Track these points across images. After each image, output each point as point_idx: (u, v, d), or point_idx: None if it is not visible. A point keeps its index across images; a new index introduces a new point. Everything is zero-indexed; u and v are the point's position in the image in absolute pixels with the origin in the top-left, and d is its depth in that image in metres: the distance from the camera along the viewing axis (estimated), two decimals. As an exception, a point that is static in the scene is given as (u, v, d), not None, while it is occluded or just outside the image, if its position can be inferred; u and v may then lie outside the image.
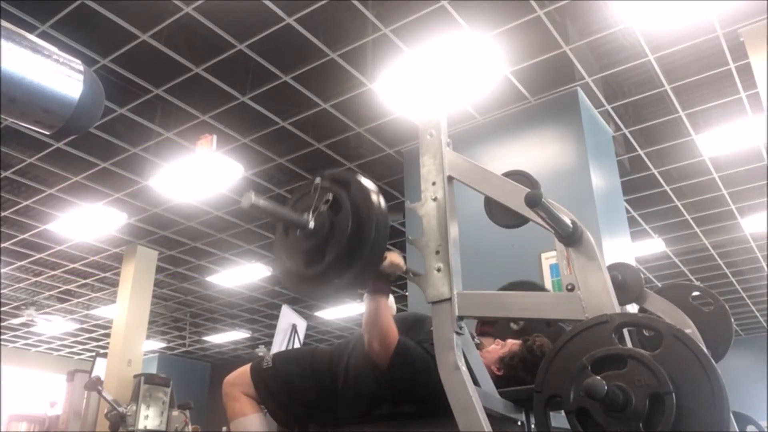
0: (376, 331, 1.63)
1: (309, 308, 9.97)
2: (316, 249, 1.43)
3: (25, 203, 6.44)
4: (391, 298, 1.73)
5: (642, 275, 2.43)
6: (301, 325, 5.47)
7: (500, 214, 1.60)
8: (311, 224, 1.42)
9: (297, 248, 1.47)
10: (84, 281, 8.80)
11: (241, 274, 8.53)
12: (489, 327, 2.36)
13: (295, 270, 1.47)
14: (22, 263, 8.07)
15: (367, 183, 1.48)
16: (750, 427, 2.30)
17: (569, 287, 1.43)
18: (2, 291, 9.02)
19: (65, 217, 6.74)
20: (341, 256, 1.39)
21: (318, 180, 1.49)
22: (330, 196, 1.44)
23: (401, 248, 7.66)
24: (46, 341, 12.06)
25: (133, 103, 4.88)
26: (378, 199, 1.45)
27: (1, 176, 5.88)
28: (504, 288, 2.31)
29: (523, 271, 4.28)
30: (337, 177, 1.51)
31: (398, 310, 3.94)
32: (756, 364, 10.44)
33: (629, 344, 1.55)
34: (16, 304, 9.72)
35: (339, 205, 1.43)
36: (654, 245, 7.43)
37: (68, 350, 12.78)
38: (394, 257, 1.61)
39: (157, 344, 12.27)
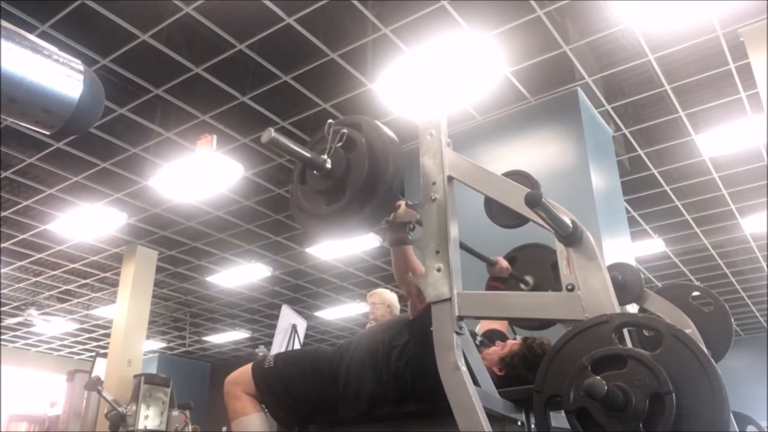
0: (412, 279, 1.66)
1: (309, 308, 9.98)
2: (335, 187, 1.45)
3: (25, 203, 6.44)
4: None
5: (642, 275, 2.43)
6: (301, 325, 5.48)
7: (500, 214, 1.61)
8: (328, 164, 1.45)
9: (316, 189, 1.50)
10: (84, 281, 8.80)
11: (241, 274, 8.53)
12: (500, 284, 2.33)
13: (315, 210, 1.50)
14: (22, 263, 8.07)
15: (378, 123, 1.52)
16: (750, 427, 2.30)
17: (569, 287, 1.43)
18: (2, 291, 9.02)
19: (65, 217, 6.74)
20: (360, 191, 1.42)
21: (330, 122, 1.51)
22: (344, 135, 1.46)
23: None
24: (46, 341, 12.06)
25: (133, 103, 4.88)
26: (390, 134, 1.48)
27: (1, 176, 5.88)
28: (515, 249, 2.32)
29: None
30: (349, 120, 1.55)
31: (399, 310, 3.95)
32: (756, 364, 10.45)
33: (629, 344, 1.55)
34: (16, 304, 9.73)
35: (354, 142, 1.46)
36: (654, 245, 7.43)
37: (68, 350, 12.78)
38: (405, 206, 1.64)
39: (157, 344, 12.27)
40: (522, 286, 2.24)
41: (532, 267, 2.25)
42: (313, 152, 1.49)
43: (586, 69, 4.52)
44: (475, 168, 1.50)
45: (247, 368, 1.90)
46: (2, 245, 7.42)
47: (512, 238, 4.29)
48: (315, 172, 1.48)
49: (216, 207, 6.59)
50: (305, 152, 1.46)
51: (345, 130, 1.47)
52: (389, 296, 4.14)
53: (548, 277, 2.17)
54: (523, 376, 1.75)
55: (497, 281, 2.25)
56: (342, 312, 10.20)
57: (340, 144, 1.46)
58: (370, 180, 1.41)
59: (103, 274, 8.55)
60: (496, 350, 1.90)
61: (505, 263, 2.18)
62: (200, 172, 5.55)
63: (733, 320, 2.37)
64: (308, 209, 1.52)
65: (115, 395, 6.22)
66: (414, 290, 1.65)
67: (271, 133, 1.34)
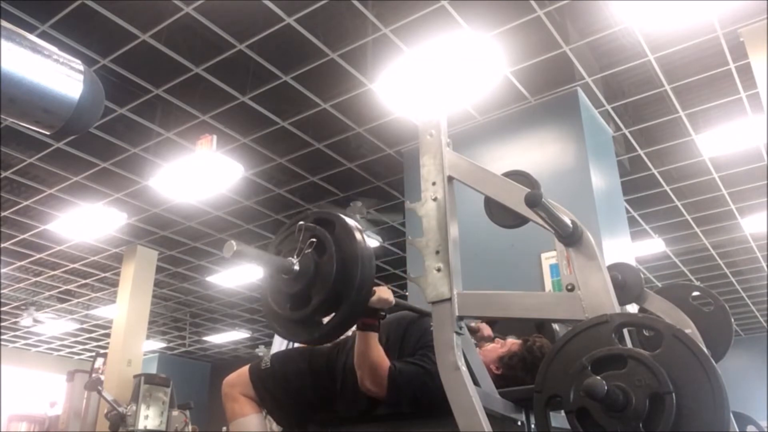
0: (366, 368, 1.64)
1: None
2: (302, 292, 1.41)
3: (25, 203, 6.44)
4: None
5: (642, 275, 2.43)
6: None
7: (500, 214, 1.60)
8: (296, 267, 1.40)
9: (283, 291, 1.45)
10: (84, 281, 8.80)
11: (241, 274, 8.53)
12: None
13: (281, 313, 1.46)
14: (22, 263, 8.07)
15: (351, 222, 1.47)
16: (750, 427, 2.30)
17: (569, 287, 1.43)
18: (2, 291, 9.03)
19: (65, 217, 6.74)
20: (327, 298, 1.38)
21: (301, 223, 1.47)
22: (314, 241, 1.42)
23: (401, 248, 7.67)
24: (46, 341, 12.06)
25: (133, 103, 4.87)
26: (362, 238, 1.43)
27: (1, 176, 5.88)
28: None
29: (523, 271, 4.28)
30: (321, 217, 1.50)
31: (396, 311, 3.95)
32: (756, 364, 10.44)
33: (629, 344, 1.55)
34: (16, 304, 9.73)
35: (323, 246, 1.42)
36: (654, 245, 7.43)
37: (68, 350, 12.78)
38: (382, 292, 1.61)
39: (157, 344, 12.27)
40: None
41: (514, 328, 2.21)
42: (281, 249, 1.46)
43: (586, 69, 4.52)
44: (475, 168, 1.50)
45: (245, 370, 1.91)
46: (2, 245, 7.42)
47: (512, 238, 4.29)
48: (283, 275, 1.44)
49: (216, 207, 6.59)
50: (272, 259, 1.43)
51: (314, 238, 1.42)
52: None
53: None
54: (521, 377, 1.75)
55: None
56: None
57: (310, 249, 1.42)
58: (336, 293, 1.38)
59: (103, 274, 8.55)
60: (496, 348, 1.90)
61: (487, 329, 2.14)
62: (200, 172, 5.55)
63: (733, 320, 2.37)
64: (274, 308, 1.47)
65: (115, 395, 6.22)
66: (367, 383, 1.64)
67: (233, 246, 1.28)
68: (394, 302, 1.60)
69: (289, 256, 1.42)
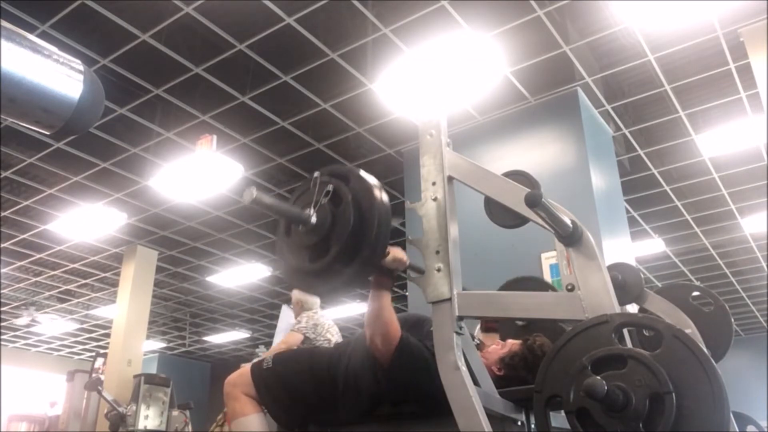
0: (378, 327, 1.63)
1: (309, 308, 9.96)
2: (320, 243, 1.41)
3: (25, 203, 6.44)
4: None
5: (642, 275, 2.43)
6: (301, 325, 5.46)
7: (500, 214, 1.60)
8: (313, 219, 1.41)
9: (300, 244, 1.45)
10: (84, 281, 8.80)
11: (241, 274, 8.53)
12: (493, 323, 2.35)
13: (300, 266, 1.46)
14: (22, 263, 8.07)
15: (366, 175, 1.47)
16: (750, 427, 2.30)
17: (569, 287, 1.43)
18: (2, 291, 9.02)
19: (65, 217, 6.74)
20: (345, 247, 1.38)
21: (317, 174, 1.48)
22: (330, 188, 1.43)
23: (401, 248, 7.65)
24: (46, 341, 12.06)
25: (133, 103, 4.87)
26: (379, 192, 1.44)
27: (1, 176, 5.88)
28: (507, 284, 2.30)
29: (523, 271, 4.27)
30: (336, 171, 1.50)
31: (398, 310, 3.95)
32: (756, 364, 10.44)
33: (629, 344, 1.55)
34: (16, 304, 9.73)
35: (339, 197, 1.42)
36: (654, 245, 7.43)
37: (68, 350, 12.78)
38: (397, 252, 1.60)
39: (157, 344, 12.27)
40: (517, 322, 2.21)
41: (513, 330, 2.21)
42: (297, 206, 1.46)
43: (586, 69, 4.52)
44: (475, 168, 1.50)
45: (246, 369, 1.91)
46: (2, 245, 7.42)
47: (512, 238, 4.29)
48: (300, 227, 1.44)
49: (216, 207, 6.59)
50: (289, 209, 1.43)
51: (330, 187, 1.42)
52: (297, 295, 4.64)
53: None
54: (522, 377, 1.75)
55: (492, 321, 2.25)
56: (342, 312, 10.20)
57: (326, 199, 1.42)
58: (355, 239, 1.38)
59: (103, 274, 8.55)
60: (496, 349, 1.90)
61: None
62: (200, 172, 5.55)
63: (733, 320, 2.37)
64: (293, 263, 1.48)
65: (115, 395, 6.22)
66: (377, 341, 1.63)
67: (253, 192, 1.28)
68: (408, 262, 1.59)
69: (306, 209, 1.42)
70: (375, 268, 1.51)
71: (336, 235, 1.39)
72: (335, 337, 4.44)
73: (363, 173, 1.47)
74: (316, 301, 4.73)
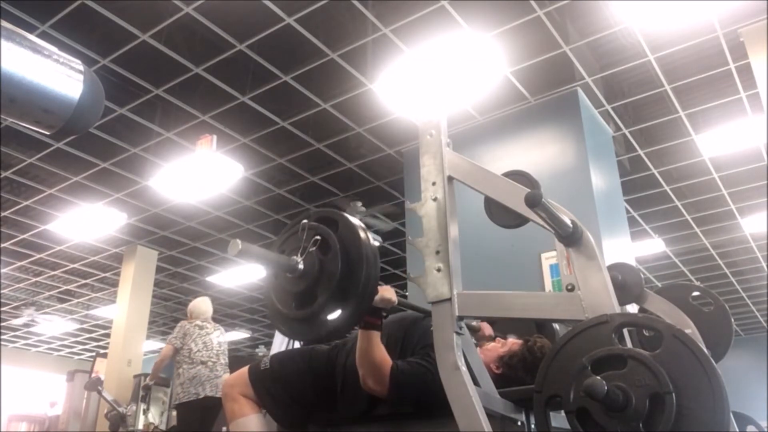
0: (368, 367, 1.63)
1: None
2: (307, 290, 1.40)
3: (25, 203, 6.44)
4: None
5: (642, 275, 2.43)
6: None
7: (500, 214, 1.60)
8: (300, 266, 1.40)
9: (287, 290, 1.44)
10: (84, 281, 8.80)
11: (241, 274, 8.53)
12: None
13: (286, 312, 1.45)
14: (22, 263, 8.07)
15: (355, 221, 1.46)
16: (750, 427, 2.30)
17: (569, 287, 1.43)
18: (2, 291, 9.03)
19: (65, 217, 6.74)
20: (333, 296, 1.37)
21: (305, 221, 1.46)
22: (318, 237, 1.41)
23: (401, 248, 7.66)
24: (46, 341, 12.06)
25: (133, 103, 4.87)
26: (366, 237, 1.42)
27: (1, 176, 5.88)
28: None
29: (523, 271, 4.29)
30: (324, 216, 1.49)
31: (398, 310, 3.95)
32: (756, 364, 10.45)
33: (629, 344, 1.55)
34: (16, 304, 9.73)
35: (328, 245, 1.41)
36: (654, 245, 7.43)
37: (68, 350, 12.78)
38: (386, 292, 1.61)
39: (157, 344, 12.25)
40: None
41: (514, 328, 2.19)
42: (285, 247, 1.45)
43: (586, 69, 4.52)
44: (475, 168, 1.50)
45: (244, 370, 1.92)
46: (2, 245, 7.42)
47: (512, 238, 4.29)
48: (287, 274, 1.44)
49: (216, 207, 6.59)
50: (276, 258, 1.42)
51: (318, 236, 1.41)
52: (190, 304, 5.12)
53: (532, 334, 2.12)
54: (521, 377, 1.75)
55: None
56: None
57: (314, 247, 1.40)
58: (343, 289, 1.37)
59: (103, 274, 8.55)
60: (496, 347, 1.90)
61: (487, 329, 2.13)
62: (200, 172, 5.55)
63: (733, 320, 2.37)
64: (278, 308, 1.47)
65: (115, 395, 6.23)
66: (369, 381, 1.63)
67: (238, 245, 1.27)
68: (396, 302, 1.60)
69: (293, 255, 1.41)
70: (363, 313, 1.50)
71: (323, 284, 1.38)
72: (201, 347, 4.96)
73: (351, 219, 1.46)
74: (203, 311, 5.15)
